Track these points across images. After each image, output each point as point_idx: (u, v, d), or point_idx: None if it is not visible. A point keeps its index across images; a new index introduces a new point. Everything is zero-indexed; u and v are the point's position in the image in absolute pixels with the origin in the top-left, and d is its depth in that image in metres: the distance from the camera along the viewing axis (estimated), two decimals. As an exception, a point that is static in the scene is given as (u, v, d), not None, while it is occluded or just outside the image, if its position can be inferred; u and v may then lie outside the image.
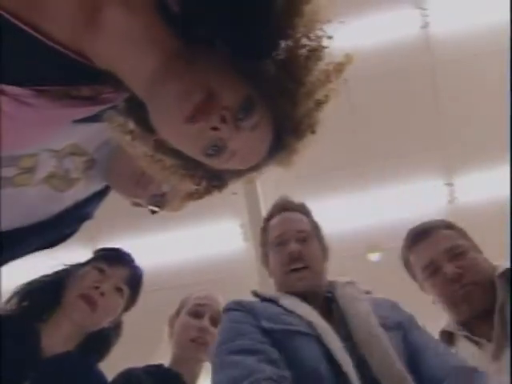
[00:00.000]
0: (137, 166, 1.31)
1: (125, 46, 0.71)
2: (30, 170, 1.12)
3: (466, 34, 3.56)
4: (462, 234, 1.60)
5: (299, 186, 3.91)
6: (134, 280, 1.56)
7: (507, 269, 1.43)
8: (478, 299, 1.42)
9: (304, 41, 0.72)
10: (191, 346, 1.66)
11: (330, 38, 0.73)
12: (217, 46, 0.72)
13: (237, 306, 1.33)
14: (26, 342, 1.37)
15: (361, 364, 1.13)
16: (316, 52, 0.74)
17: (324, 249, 1.54)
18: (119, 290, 1.51)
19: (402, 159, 4.01)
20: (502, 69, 2.71)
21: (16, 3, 0.66)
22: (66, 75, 0.74)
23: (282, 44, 0.72)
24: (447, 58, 3.69)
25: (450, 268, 1.45)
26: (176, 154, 0.78)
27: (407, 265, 1.61)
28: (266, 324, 1.22)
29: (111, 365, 1.61)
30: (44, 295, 1.48)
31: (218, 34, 0.71)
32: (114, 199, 1.46)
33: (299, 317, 1.25)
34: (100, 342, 1.53)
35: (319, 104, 0.77)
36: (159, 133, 0.76)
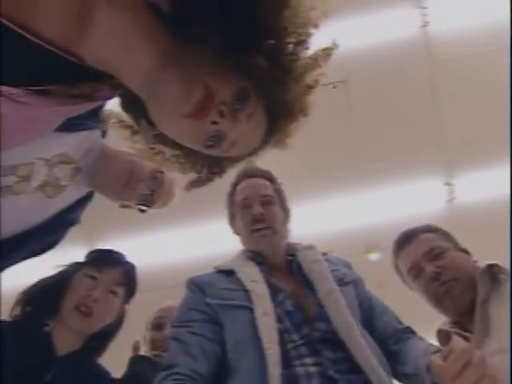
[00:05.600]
0: (122, 169, 1.34)
1: (118, 46, 0.72)
2: (27, 179, 1.16)
3: (466, 33, 3.55)
4: (443, 236, 1.68)
5: (299, 185, 3.90)
6: (127, 278, 1.61)
7: (488, 265, 1.49)
8: (460, 294, 1.48)
9: (291, 31, 0.74)
10: (156, 359, 1.85)
11: (315, 26, 0.76)
12: (209, 43, 0.74)
13: (190, 286, 1.50)
14: (39, 343, 1.46)
15: (323, 313, 1.35)
16: (303, 41, 0.76)
17: (286, 212, 1.69)
18: (113, 292, 1.56)
19: (401, 159, 4.00)
20: (501, 68, 2.70)
21: (6, 4, 0.65)
22: (59, 74, 0.74)
23: (271, 36, 0.74)
24: (447, 57, 3.68)
25: (429, 268, 1.54)
26: (176, 144, 0.81)
27: (397, 270, 1.71)
28: (209, 300, 1.42)
29: (107, 364, 1.65)
30: (44, 303, 1.54)
31: (210, 32, 0.73)
32: (112, 199, 1.46)
33: (243, 290, 1.41)
34: (101, 338, 1.61)
35: (309, 88, 0.81)
36: (158, 127, 0.78)
